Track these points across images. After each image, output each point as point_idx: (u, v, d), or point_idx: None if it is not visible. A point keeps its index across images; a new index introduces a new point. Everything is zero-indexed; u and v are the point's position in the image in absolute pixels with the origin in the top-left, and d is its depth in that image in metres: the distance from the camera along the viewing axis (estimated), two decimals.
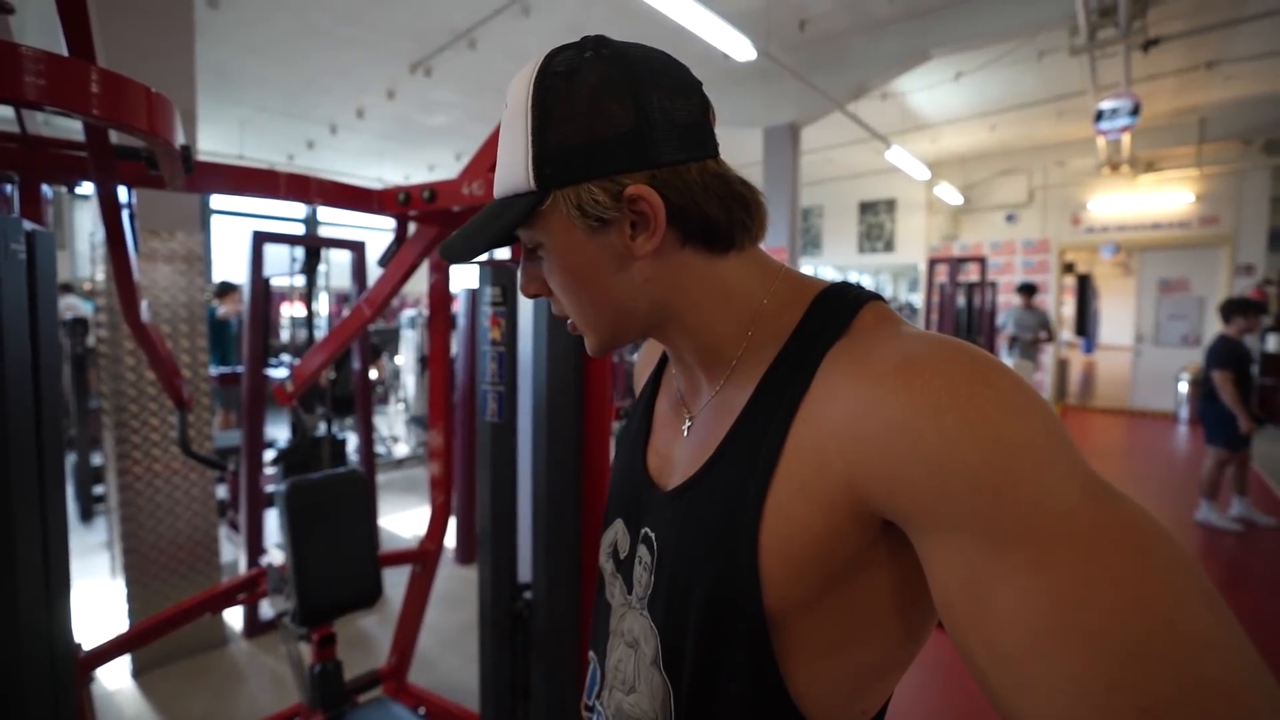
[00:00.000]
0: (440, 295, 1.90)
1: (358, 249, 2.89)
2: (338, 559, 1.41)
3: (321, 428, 2.97)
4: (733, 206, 0.45)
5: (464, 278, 5.09)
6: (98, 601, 2.71)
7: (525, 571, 1.63)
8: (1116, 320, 12.38)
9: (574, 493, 1.55)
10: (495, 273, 1.59)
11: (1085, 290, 9.33)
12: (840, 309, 0.44)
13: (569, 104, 0.42)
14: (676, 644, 0.46)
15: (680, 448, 0.51)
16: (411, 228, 1.72)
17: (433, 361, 1.95)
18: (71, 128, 0.99)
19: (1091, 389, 9.37)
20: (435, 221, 1.64)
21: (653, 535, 0.49)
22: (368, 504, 1.52)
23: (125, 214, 1.24)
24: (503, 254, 1.73)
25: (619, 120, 0.42)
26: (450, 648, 2.51)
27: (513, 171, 0.45)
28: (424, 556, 1.93)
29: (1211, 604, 0.30)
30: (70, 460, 4.11)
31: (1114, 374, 9.89)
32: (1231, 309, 3.76)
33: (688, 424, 0.52)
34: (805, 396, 0.41)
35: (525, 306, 1.59)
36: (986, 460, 0.33)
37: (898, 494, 0.36)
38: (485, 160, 1.51)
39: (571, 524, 1.55)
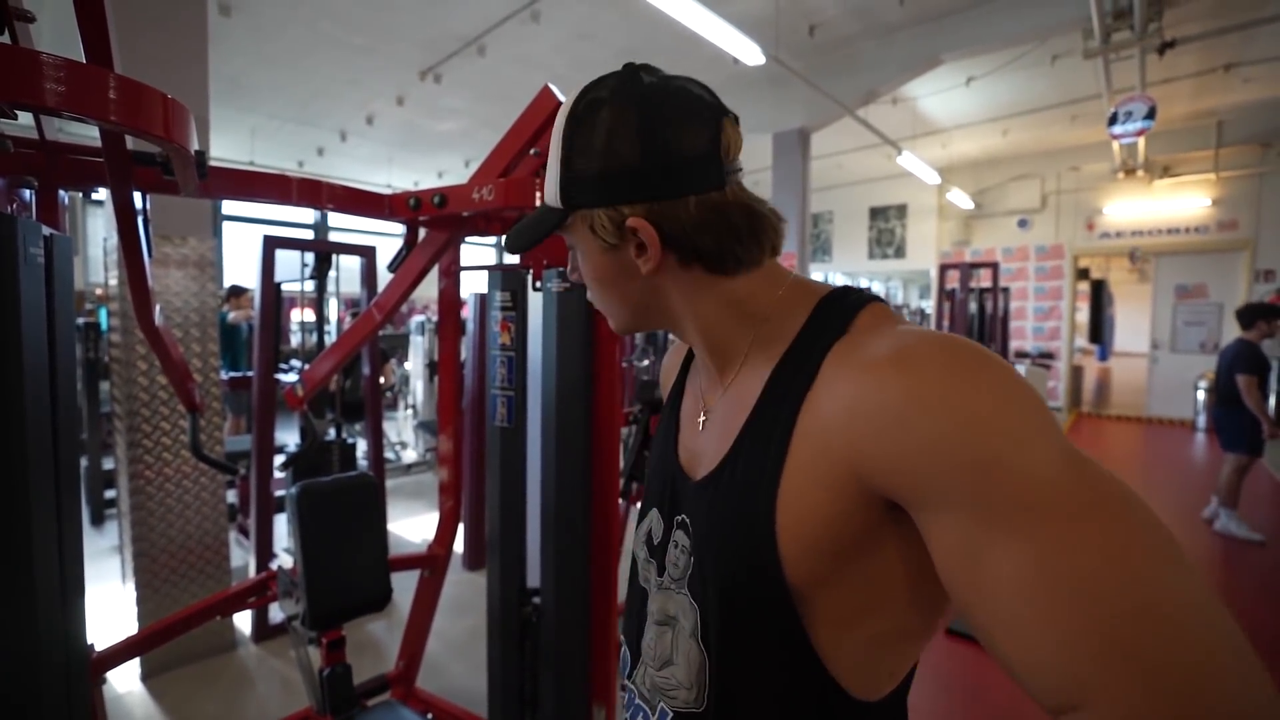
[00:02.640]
0: (450, 301, 1.90)
1: (368, 254, 2.90)
2: (348, 562, 1.41)
3: (331, 433, 2.98)
4: (725, 239, 0.50)
5: (473, 283, 5.11)
6: (108, 605, 2.72)
7: (534, 577, 1.62)
8: (1132, 327, 12.25)
9: (583, 498, 1.54)
10: (505, 277, 1.59)
11: (1099, 296, 9.23)
12: (841, 311, 0.49)
13: (588, 139, 0.49)
14: (712, 618, 0.50)
15: (702, 440, 0.56)
16: (422, 233, 1.72)
17: (442, 367, 1.96)
18: (87, 134, 1.00)
19: (1106, 396, 9.25)
20: (445, 227, 1.64)
21: (688, 521, 0.54)
22: (378, 508, 1.52)
23: (140, 220, 1.25)
24: (512, 259, 1.73)
25: (627, 157, 0.48)
26: (458, 654, 2.51)
27: (549, 188, 0.53)
28: (432, 561, 1.93)
29: (1178, 562, 0.34)
30: (81, 465, 4.15)
31: (1129, 381, 9.78)
32: (1253, 314, 3.75)
33: (702, 418, 0.57)
34: (810, 391, 0.45)
35: (535, 311, 1.58)
36: (974, 441, 0.37)
37: (895, 475, 0.40)
38: (495, 166, 1.51)
39: (581, 529, 1.54)
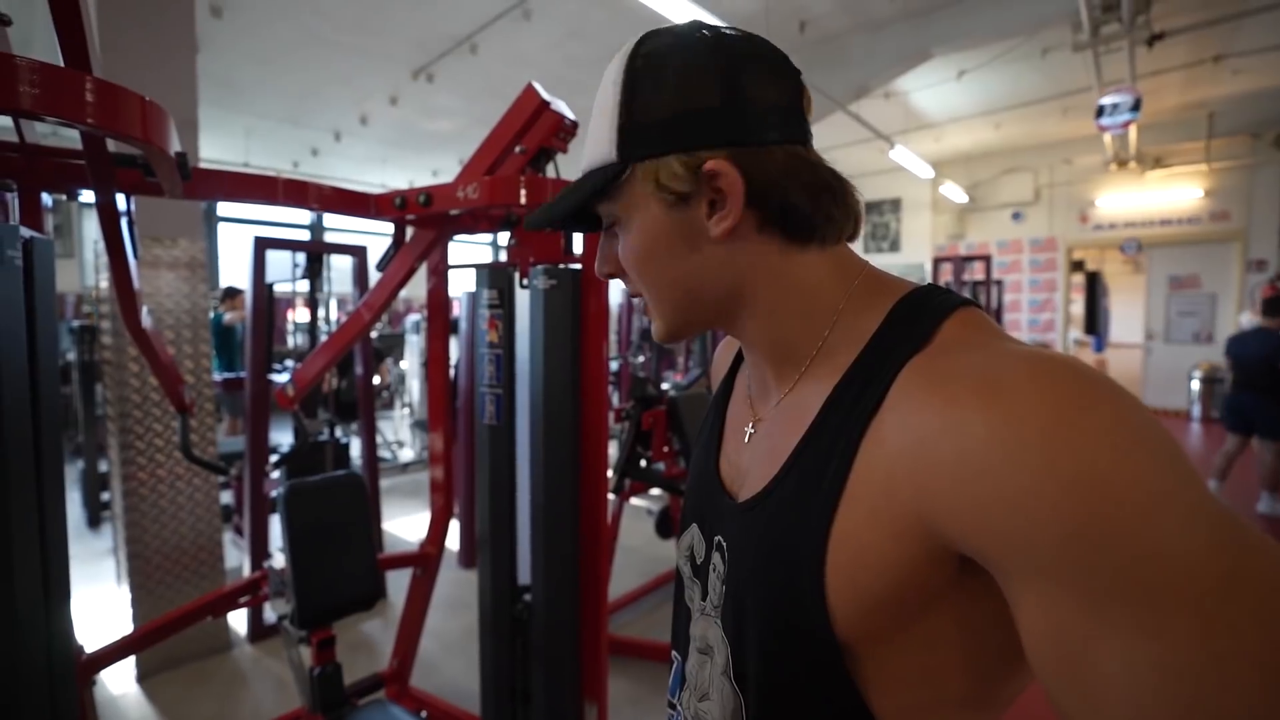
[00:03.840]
0: (438, 299, 1.91)
1: (359, 254, 2.90)
2: (336, 561, 1.42)
3: (324, 433, 2.98)
4: (820, 196, 0.43)
5: (463, 281, 5.10)
6: (103, 607, 2.73)
7: (525, 574, 1.63)
8: (1127, 318, 12.28)
9: (572, 495, 1.55)
10: (492, 275, 1.60)
11: (1094, 288, 9.25)
12: (923, 316, 0.41)
13: (656, 80, 0.43)
14: (745, 658, 0.45)
15: (748, 454, 0.50)
16: (410, 232, 1.72)
17: (431, 365, 1.96)
18: (71, 136, 1.00)
19: None
20: (432, 225, 1.65)
21: (725, 545, 0.48)
22: (366, 506, 1.53)
23: (124, 221, 1.25)
24: (501, 257, 1.74)
25: (705, 97, 0.42)
26: (454, 652, 2.52)
27: (597, 147, 0.46)
28: (424, 560, 1.94)
29: None
30: (78, 467, 4.15)
31: (1125, 373, 9.80)
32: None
33: (750, 429, 0.51)
34: (877, 414, 0.38)
35: (522, 309, 1.59)
36: (1080, 503, 0.28)
37: (973, 534, 0.32)
38: (480, 164, 1.52)
39: (569, 526, 1.55)
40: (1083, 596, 0.29)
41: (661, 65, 0.43)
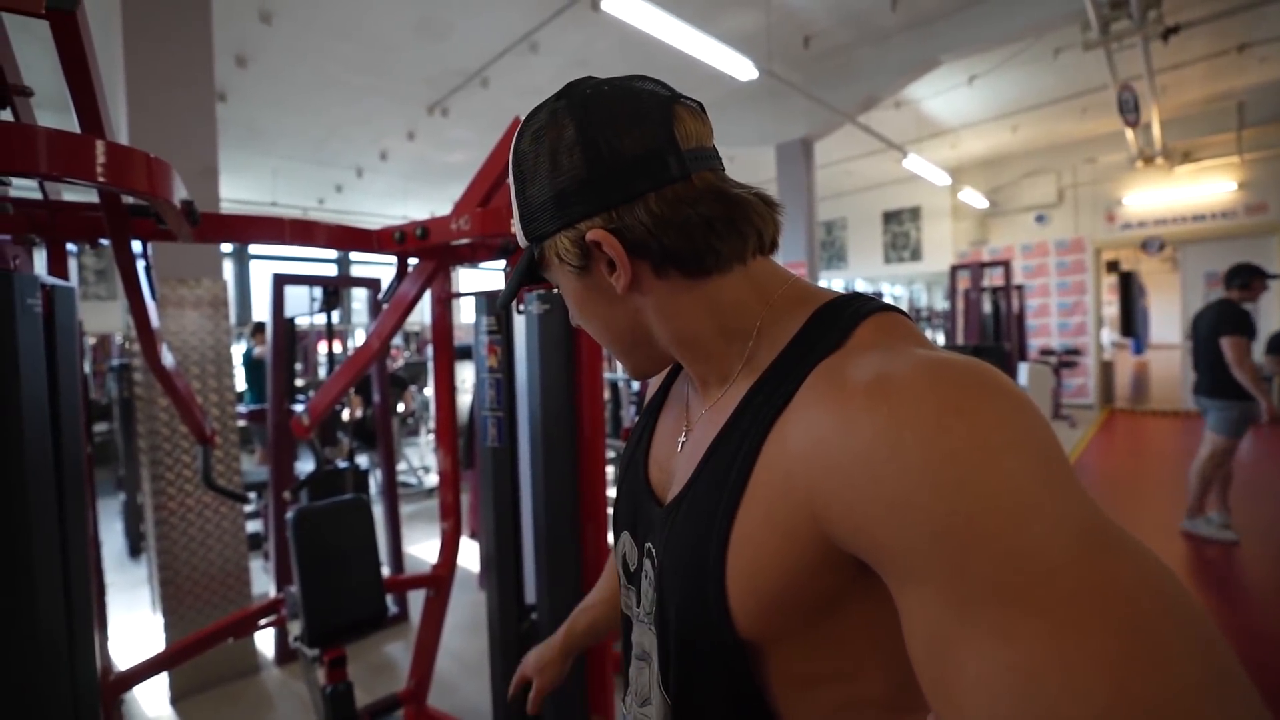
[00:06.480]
0: (442, 327, 1.97)
1: (373, 286, 3.01)
2: (342, 582, 1.47)
3: (344, 459, 3.07)
4: (695, 232, 0.43)
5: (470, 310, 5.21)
6: (140, 632, 2.85)
7: (533, 594, 1.66)
8: (1166, 318, 11.85)
9: (572, 513, 1.57)
10: (489, 302, 1.66)
11: (1129, 289, 8.96)
12: (838, 321, 0.42)
13: (535, 165, 0.46)
14: (671, 661, 0.46)
15: (675, 461, 0.52)
16: (413, 263, 1.80)
17: (437, 389, 2.03)
18: (90, 191, 1.09)
19: (1145, 391, 8.94)
20: (431, 256, 1.72)
21: (654, 550, 0.49)
22: (372, 529, 1.58)
23: (142, 265, 1.34)
24: (499, 284, 1.80)
25: (574, 171, 0.44)
26: (473, 672, 2.54)
27: (516, 232, 0.52)
28: (436, 582, 1.98)
29: (1223, 690, 0.25)
30: (120, 500, 4.34)
31: (1165, 374, 9.45)
32: (1232, 276, 3.30)
33: (683, 439, 0.52)
34: (782, 414, 0.39)
35: (520, 333, 1.64)
36: (949, 506, 0.29)
37: (859, 532, 0.33)
38: (473, 197, 1.59)
39: (571, 544, 1.57)
40: (950, 598, 0.29)
41: (535, 151, 0.46)
